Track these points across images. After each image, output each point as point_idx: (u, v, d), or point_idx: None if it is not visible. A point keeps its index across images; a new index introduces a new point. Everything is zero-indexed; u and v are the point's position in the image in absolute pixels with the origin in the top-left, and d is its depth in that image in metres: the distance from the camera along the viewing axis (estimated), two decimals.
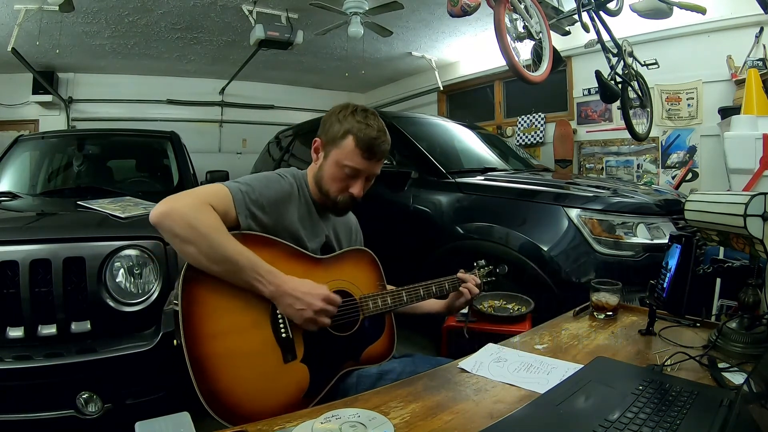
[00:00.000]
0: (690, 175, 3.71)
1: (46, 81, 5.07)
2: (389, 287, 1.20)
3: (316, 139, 1.15)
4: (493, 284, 1.38)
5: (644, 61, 3.28)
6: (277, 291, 0.94)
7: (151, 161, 3.12)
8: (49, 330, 1.50)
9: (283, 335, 0.96)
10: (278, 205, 1.05)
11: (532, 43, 2.65)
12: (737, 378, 0.83)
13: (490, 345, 1.02)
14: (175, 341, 0.88)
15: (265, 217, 1.02)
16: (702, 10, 3.16)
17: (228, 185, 1.00)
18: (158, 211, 0.91)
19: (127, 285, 1.60)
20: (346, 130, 1.09)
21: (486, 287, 1.35)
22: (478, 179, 2.44)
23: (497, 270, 1.39)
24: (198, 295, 0.91)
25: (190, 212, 0.91)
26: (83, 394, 1.43)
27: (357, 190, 1.13)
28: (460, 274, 1.29)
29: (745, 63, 3.30)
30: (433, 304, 1.29)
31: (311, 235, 1.13)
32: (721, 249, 1.87)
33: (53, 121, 5.37)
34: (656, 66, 3.28)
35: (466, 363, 0.93)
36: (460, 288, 1.26)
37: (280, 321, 0.97)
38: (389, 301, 1.12)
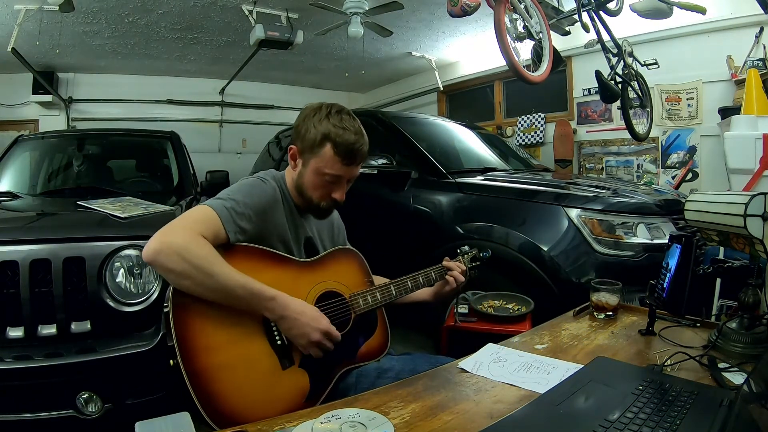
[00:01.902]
0: (690, 175, 3.71)
1: (46, 81, 5.07)
2: (382, 280, 1.20)
3: (292, 146, 1.13)
4: (479, 269, 1.39)
5: (644, 61, 3.28)
6: (280, 315, 0.94)
7: (151, 161, 3.12)
8: (49, 330, 1.50)
9: (278, 342, 0.96)
10: (264, 211, 1.05)
11: (532, 43, 2.65)
12: (737, 378, 0.83)
13: (490, 345, 1.02)
14: (171, 361, 0.87)
15: (253, 227, 1.02)
16: (702, 10, 3.16)
17: (212, 205, 0.99)
18: (151, 248, 0.90)
19: (127, 285, 1.60)
20: (324, 137, 1.06)
21: (472, 272, 1.36)
22: (478, 179, 2.44)
23: (481, 255, 1.40)
24: (190, 310, 0.90)
25: (183, 246, 0.90)
26: (83, 394, 1.43)
27: (339, 195, 1.13)
28: (445, 263, 1.29)
29: (745, 63, 3.30)
30: (421, 293, 1.30)
31: (295, 237, 1.13)
32: (721, 249, 1.87)
33: (53, 121, 5.37)
34: (656, 66, 3.28)
35: (466, 363, 0.93)
36: (447, 276, 1.27)
37: (274, 328, 0.96)
38: (379, 297, 1.13)
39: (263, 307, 0.93)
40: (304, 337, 0.95)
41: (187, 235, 0.92)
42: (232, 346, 0.91)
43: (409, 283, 1.20)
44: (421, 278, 1.23)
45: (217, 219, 0.96)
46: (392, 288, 1.16)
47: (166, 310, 0.90)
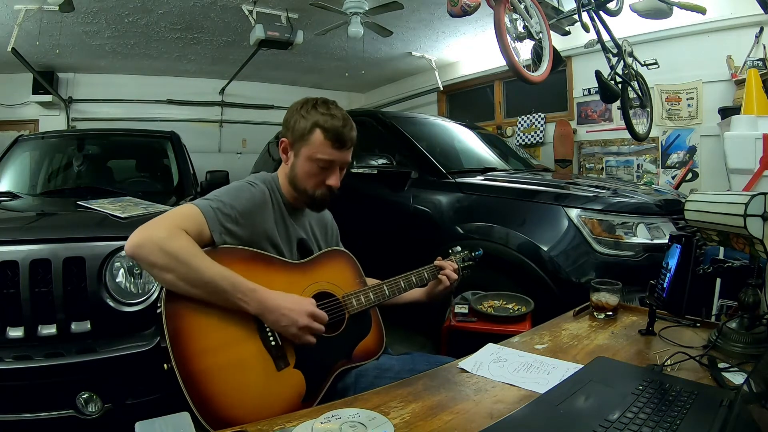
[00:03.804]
0: (690, 175, 3.71)
1: (46, 81, 5.07)
2: (373, 281, 1.21)
3: (283, 139, 1.14)
4: (471, 268, 1.39)
5: (644, 61, 3.28)
6: (261, 307, 0.93)
7: (151, 161, 3.12)
8: (49, 330, 1.50)
9: (273, 343, 0.96)
10: (251, 214, 1.05)
11: (532, 43, 2.65)
12: (737, 378, 0.83)
13: (490, 345, 1.02)
14: (165, 366, 0.86)
15: (240, 229, 1.02)
16: (702, 10, 3.16)
17: (198, 204, 0.99)
18: (132, 242, 0.90)
19: (127, 285, 1.60)
20: (313, 124, 1.09)
21: (464, 272, 1.36)
22: (478, 179, 2.44)
23: (473, 254, 1.40)
24: (183, 313, 0.90)
25: (164, 239, 0.90)
26: (83, 394, 1.43)
27: (333, 180, 1.13)
28: (438, 262, 1.30)
29: (745, 63, 3.30)
30: (414, 294, 1.30)
31: (287, 240, 1.13)
32: (721, 249, 1.86)
33: (53, 121, 5.37)
34: (656, 66, 3.28)
35: (466, 363, 0.93)
36: (439, 276, 1.27)
37: (268, 329, 0.96)
38: (372, 297, 1.13)
39: (245, 300, 0.92)
40: (294, 324, 0.94)
41: (168, 229, 0.92)
42: (226, 348, 0.91)
43: (402, 283, 1.20)
44: (413, 278, 1.23)
45: (202, 218, 0.97)
46: (385, 288, 1.16)
47: (159, 311, 0.89)
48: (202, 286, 0.90)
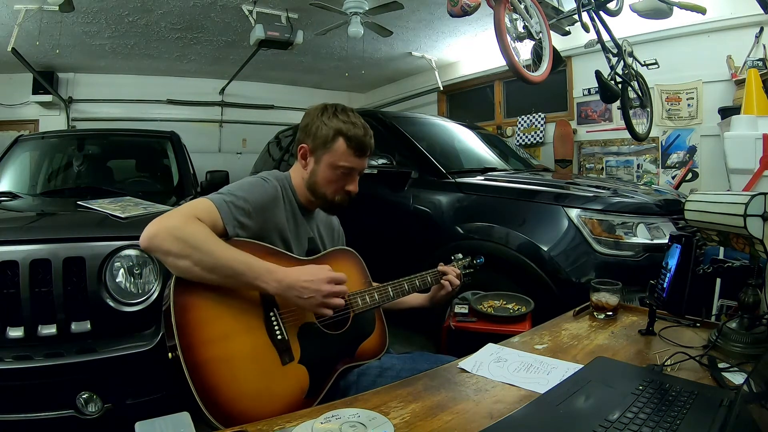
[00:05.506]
0: (690, 175, 3.71)
1: (46, 81, 5.07)
2: (374, 284, 1.22)
3: (303, 145, 1.15)
4: (472, 275, 1.42)
5: (644, 61, 3.28)
6: (281, 286, 0.94)
7: (151, 161, 3.12)
8: (49, 330, 1.50)
9: (278, 337, 0.96)
10: (264, 209, 1.06)
11: (532, 43, 2.65)
12: (737, 378, 0.83)
13: (490, 345, 1.02)
14: (170, 354, 0.86)
15: (252, 223, 1.03)
16: (702, 10, 3.16)
17: (212, 198, 1.00)
18: (146, 234, 0.91)
19: (127, 285, 1.60)
20: (336, 132, 1.11)
21: (466, 279, 1.38)
22: (478, 179, 2.44)
23: (475, 261, 1.43)
24: (190, 303, 0.90)
25: (178, 227, 0.91)
26: (83, 394, 1.43)
27: (353, 187, 1.17)
28: (441, 267, 1.31)
29: (745, 63, 3.30)
30: (416, 298, 1.32)
31: (296, 237, 1.14)
32: (721, 249, 1.86)
33: (53, 121, 5.37)
34: (656, 66, 3.29)
35: (466, 363, 0.93)
36: (442, 281, 1.29)
37: (274, 323, 0.97)
38: (377, 297, 1.15)
39: (264, 281, 0.92)
40: (318, 292, 0.94)
41: (182, 218, 0.93)
42: (231, 339, 0.91)
43: (405, 285, 1.22)
44: (417, 281, 1.25)
45: (216, 211, 0.97)
46: (389, 289, 1.18)
47: (164, 308, 0.89)
48: (218, 269, 0.90)
